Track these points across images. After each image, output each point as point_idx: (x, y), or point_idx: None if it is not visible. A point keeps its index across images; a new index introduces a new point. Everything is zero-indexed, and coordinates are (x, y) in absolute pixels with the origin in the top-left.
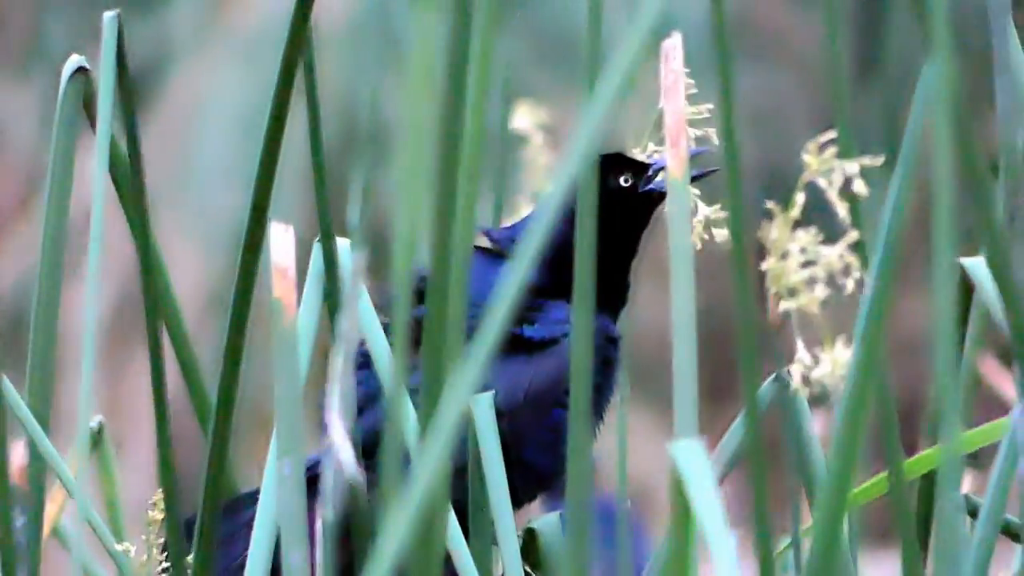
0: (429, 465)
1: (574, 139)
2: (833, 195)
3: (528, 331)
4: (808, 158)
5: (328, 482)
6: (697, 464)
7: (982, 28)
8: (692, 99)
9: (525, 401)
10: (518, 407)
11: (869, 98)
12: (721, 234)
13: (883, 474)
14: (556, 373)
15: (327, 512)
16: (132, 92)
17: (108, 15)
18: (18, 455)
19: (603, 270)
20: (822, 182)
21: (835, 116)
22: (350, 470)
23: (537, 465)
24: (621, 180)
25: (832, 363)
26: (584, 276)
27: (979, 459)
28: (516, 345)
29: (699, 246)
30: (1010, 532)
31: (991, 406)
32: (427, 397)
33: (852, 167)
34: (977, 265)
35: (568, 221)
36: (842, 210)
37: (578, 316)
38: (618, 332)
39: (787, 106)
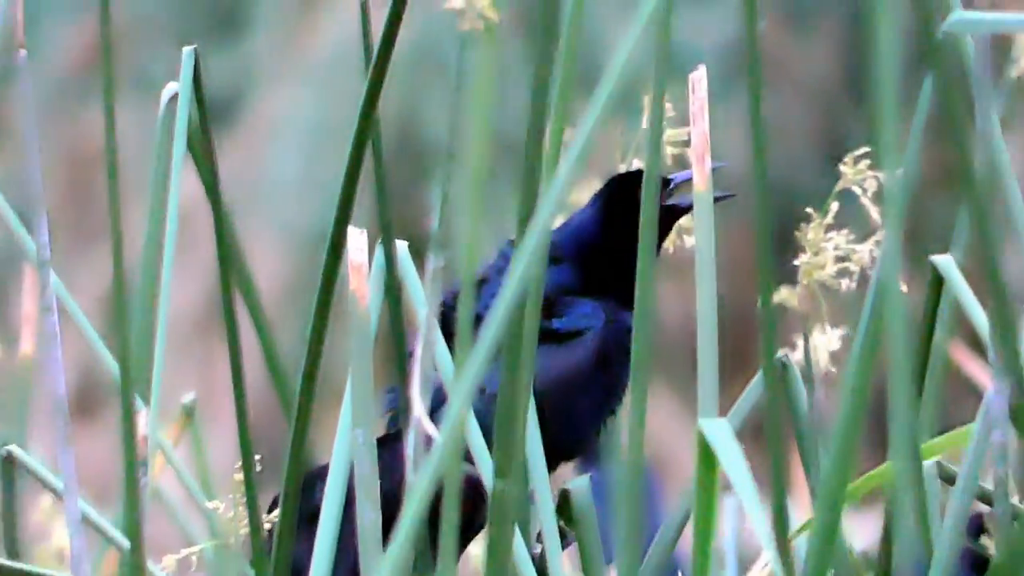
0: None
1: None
2: (866, 200)
3: (556, 324)
4: (845, 168)
5: (412, 449)
6: (725, 439)
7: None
8: (712, 122)
9: (556, 383)
10: (550, 387)
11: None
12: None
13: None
14: (582, 360)
15: (411, 474)
16: (208, 114)
17: (186, 49)
18: (140, 426)
19: (628, 272)
20: (856, 189)
21: (874, 133)
22: (429, 439)
23: (567, 437)
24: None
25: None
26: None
27: (952, 424)
28: (546, 336)
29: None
30: (985, 499)
31: (961, 386)
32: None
33: (882, 177)
34: (947, 261)
35: (598, 226)
36: (874, 212)
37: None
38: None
39: (789, 123)
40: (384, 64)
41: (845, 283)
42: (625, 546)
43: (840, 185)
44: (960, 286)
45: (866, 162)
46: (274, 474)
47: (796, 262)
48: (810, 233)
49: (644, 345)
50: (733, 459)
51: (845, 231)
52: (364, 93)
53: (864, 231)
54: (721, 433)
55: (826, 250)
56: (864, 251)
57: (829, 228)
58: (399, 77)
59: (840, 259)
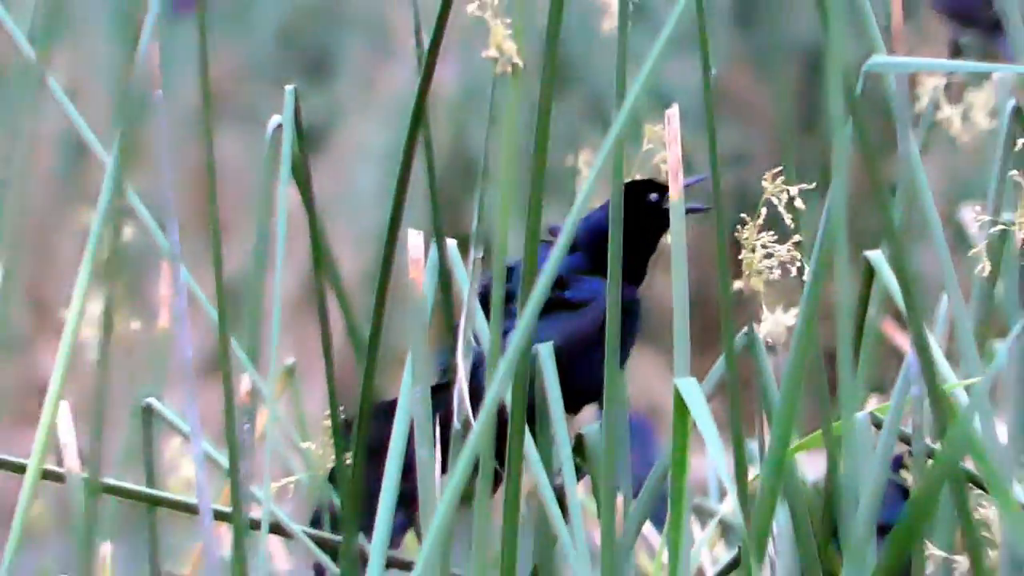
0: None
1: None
2: (782, 208)
3: (568, 295)
4: (766, 184)
5: (457, 403)
6: (695, 393)
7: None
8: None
9: (571, 341)
10: (565, 344)
11: (813, 141)
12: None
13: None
14: (589, 322)
15: (456, 422)
16: (304, 141)
17: (288, 88)
18: (244, 383)
19: (634, 257)
20: (775, 200)
21: (783, 156)
22: (467, 396)
23: (582, 387)
24: (651, 197)
25: (779, 323)
26: (614, 261)
27: (883, 388)
28: (561, 304)
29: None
30: (905, 439)
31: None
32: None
33: (794, 190)
34: (878, 256)
35: (602, 225)
36: (788, 219)
37: (609, 286)
38: (639, 297)
39: (750, 147)
40: (424, 98)
41: (778, 273)
42: (623, 477)
43: (764, 197)
44: (888, 275)
45: (782, 179)
46: (353, 419)
47: (740, 256)
48: (745, 234)
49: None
50: (699, 408)
51: (771, 232)
52: (410, 120)
53: (790, 233)
54: (691, 389)
55: (756, 248)
56: (783, 249)
57: (760, 230)
58: (451, 110)
59: (768, 255)
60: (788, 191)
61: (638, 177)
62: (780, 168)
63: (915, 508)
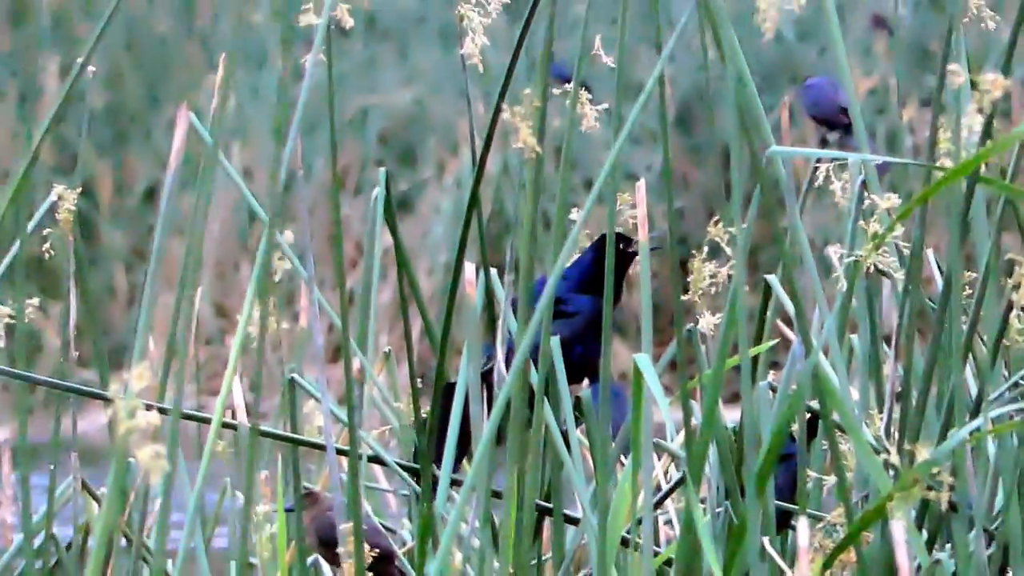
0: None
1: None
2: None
3: (567, 307)
4: (711, 229)
5: (497, 375)
6: (648, 365)
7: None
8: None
9: (569, 337)
10: (566, 339)
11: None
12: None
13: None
14: (582, 324)
15: (497, 388)
16: (393, 204)
17: (380, 170)
18: (356, 364)
19: (615, 284)
20: (718, 239)
21: (720, 212)
22: (504, 372)
23: (577, 366)
24: (622, 245)
25: (711, 322)
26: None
27: (778, 365)
28: (564, 314)
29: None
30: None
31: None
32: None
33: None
34: (773, 279)
35: (591, 262)
36: (728, 250)
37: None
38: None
39: (689, 208)
40: (479, 176)
41: (712, 289)
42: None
43: (708, 237)
44: (780, 290)
45: (721, 225)
46: (428, 388)
47: (688, 278)
48: (694, 263)
49: (608, 323)
50: (649, 374)
51: (714, 261)
52: (470, 191)
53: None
54: (645, 362)
55: (703, 272)
56: (722, 272)
57: (705, 260)
58: (496, 180)
59: (712, 276)
60: (729, 232)
61: (617, 230)
62: (718, 219)
63: (778, 429)
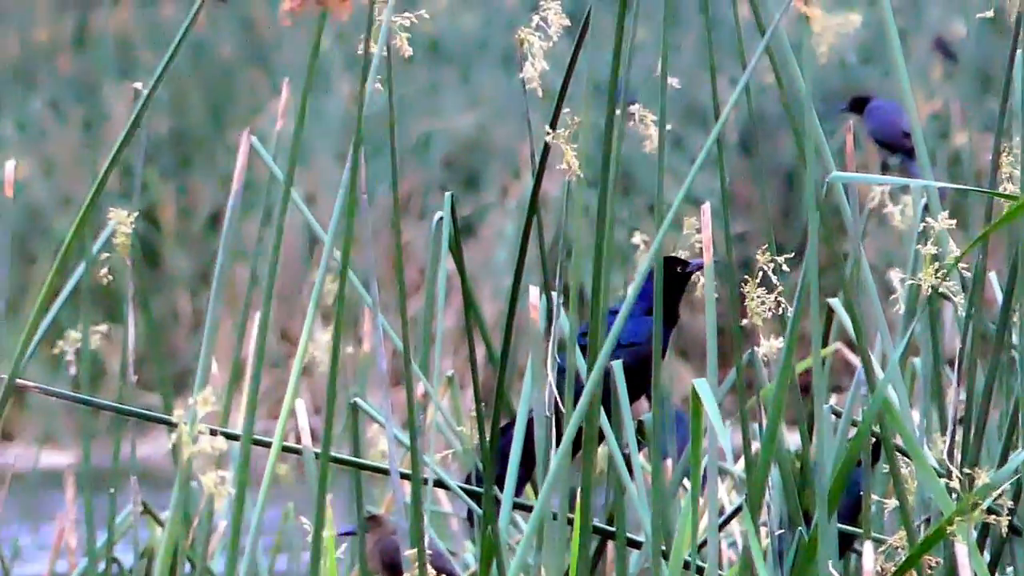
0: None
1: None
2: (770, 272)
3: (623, 339)
4: (760, 256)
5: (555, 390)
6: (707, 391)
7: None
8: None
9: (632, 362)
10: (629, 365)
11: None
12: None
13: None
14: (641, 352)
15: (547, 413)
16: (458, 228)
17: (446, 194)
18: (419, 388)
19: (669, 306)
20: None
21: (768, 238)
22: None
23: (639, 387)
24: (678, 268)
25: (771, 346)
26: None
27: (840, 388)
28: (623, 345)
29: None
30: (855, 424)
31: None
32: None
33: (780, 259)
34: (836, 301)
35: (649, 285)
36: (774, 278)
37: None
38: (672, 333)
39: (752, 231)
40: (535, 200)
41: (771, 313)
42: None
43: (759, 265)
44: (843, 314)
45: (771, 254)
46: (488, 411)
47: (746, 303)
48: (747, 289)
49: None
50: (708, 398)
51: (763, 289)
52: (527, 214)
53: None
54: (705, 388)
55: (756, 297)
56: (773, 298)
57: (760, 285)
58: (554, 206)
59: (763, 302)
60: (775, 260)
61: (677, 254)
62: (766, 246)
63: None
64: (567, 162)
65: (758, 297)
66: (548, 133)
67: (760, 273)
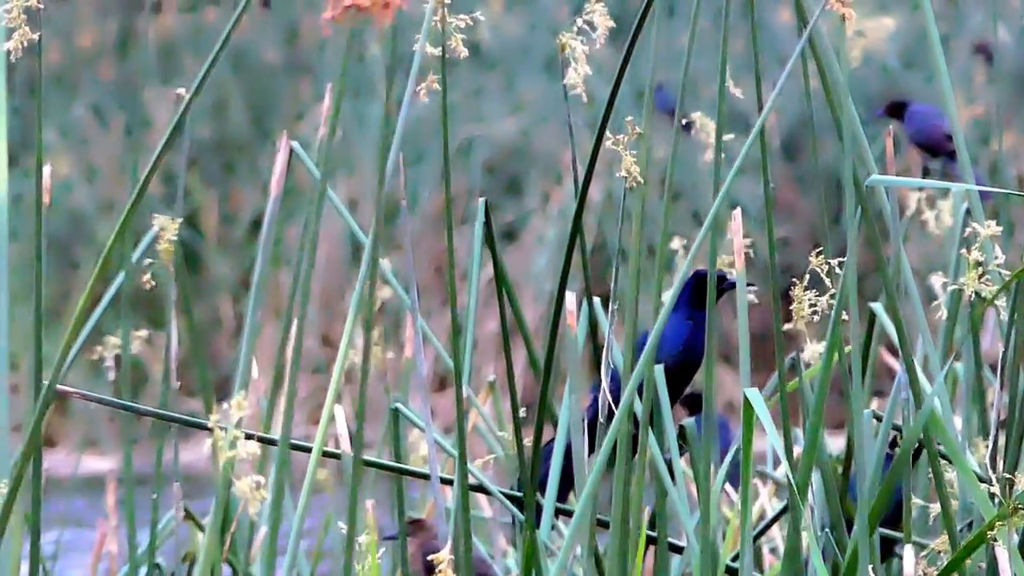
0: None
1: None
2: (824, 275)
3: (667, 348)
4: (812, 259)
5: (601, 403)
6: (758, 400)
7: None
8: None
9: (673, 367)
10: (670, 368)
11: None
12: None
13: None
14: (681, 358)
15: (601, 418)
16: (495, 235)
17: (480, 200)
18: (446, 400)
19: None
20: (818, 270)
21: (822, 241)
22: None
23: (679, 390)
24: (720, 284)
25: (814, 351)
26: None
27: (882, 393)
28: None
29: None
30: (897, 428)
31: (886, 370)
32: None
33: (834, 262)
34: (878, 306)
35: (685, 300)
36: (827, 281)
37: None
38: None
39: (794, 237)
40: (581, 206)
41: (815, 318)
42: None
43: (809, 267)
44: (885, 319)
45: (821, 256)
46: (531, 417)
47: (791, 307)
48: (796, 291)
49: (713, 347)
50: (762, 409)
51: (813, 291)
52: (572, 221)
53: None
54: (756, 396)
55: (803, 301)
56: (822, 302)
57: (805, 289)
58: (597, 212)
59: (812, 306)
60: (828, 263)
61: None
62: (820, 249)
63: (896, 466)
64: (626, 169)
65: (807, 300)
66: (607, 139)
67: (807, 276)
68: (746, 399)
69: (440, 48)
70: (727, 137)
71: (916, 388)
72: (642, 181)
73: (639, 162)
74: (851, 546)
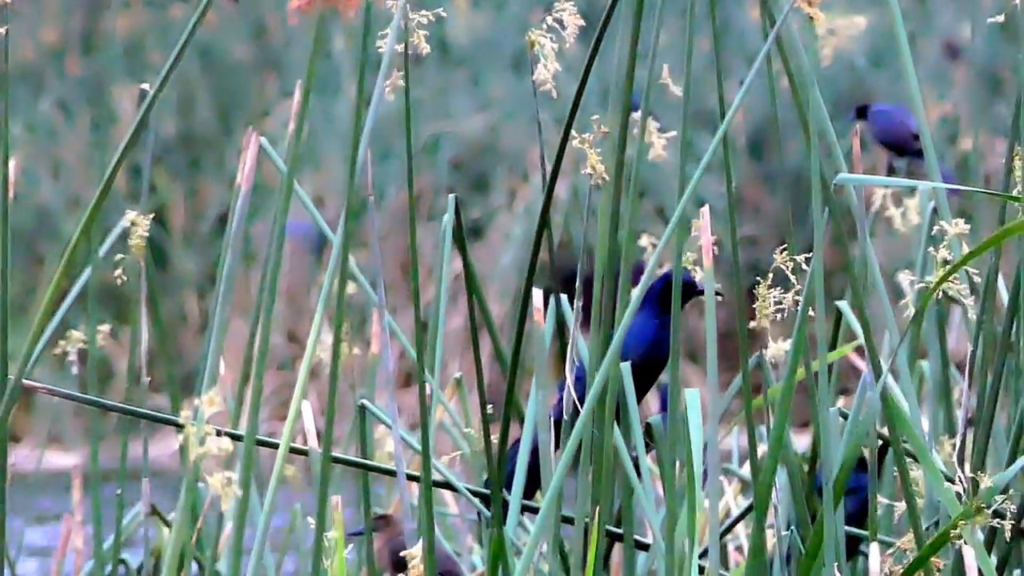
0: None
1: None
2: (789, 273)
3: (633, 343)
4: (777, 256)
5: (566, 400)
6: (696, 402)
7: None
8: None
9: (639, 364)
10: (635, 366)
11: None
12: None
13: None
14: (647, 354)
15: (565, 415)
16: (464, 230)
17: (450, 196)
18: (427, 390)
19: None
20: (784, 268)
21: (787, 239)
22: (574, 400)
23: (644, 389)
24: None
25: (779, 349)
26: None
27: (847, 391)
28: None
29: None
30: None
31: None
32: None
33: (800, 259)
34: (844, 304)
35: (657, 292)
36: (792, 278)
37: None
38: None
39: (761, 235)
40: (548, 203)
41: (779, 316)
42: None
43: (774, 265)
44: (850, 316)
45: (787, 254)
46: (498, 414)
47: (754, 305)
48: (760, 290)
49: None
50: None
51: (779, 289)
52: (539, 218)
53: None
54: (693, 397)
55: (768, 299)
56: (788, 299)
57: (771, 287)
58: (564, 208)
59: (777, 303)
60: (794, 260)
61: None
62: (785, 246)
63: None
64: (591, 167)
65: (773, 298)
66: (574, 137)
67: (772, 274)
68: (687, 401)
69: (412, 41)
70: (670, 134)
71: (882, 386)
72: (607, 178)
73: (604, 160)
74: (812, 542)
